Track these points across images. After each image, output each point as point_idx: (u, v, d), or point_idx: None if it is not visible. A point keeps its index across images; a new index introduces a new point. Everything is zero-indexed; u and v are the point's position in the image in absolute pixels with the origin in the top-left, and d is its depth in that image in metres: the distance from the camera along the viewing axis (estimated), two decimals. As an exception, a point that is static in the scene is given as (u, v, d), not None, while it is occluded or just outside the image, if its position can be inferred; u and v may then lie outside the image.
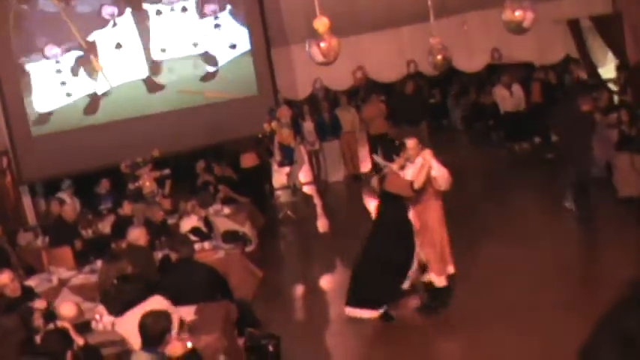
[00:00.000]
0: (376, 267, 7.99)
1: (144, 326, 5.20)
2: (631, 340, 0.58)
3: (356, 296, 8.14)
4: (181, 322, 6.09)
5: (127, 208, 10.97)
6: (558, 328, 6.92)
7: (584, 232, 10.29)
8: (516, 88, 16.62)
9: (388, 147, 8.16)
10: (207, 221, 10.31)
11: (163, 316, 5.29)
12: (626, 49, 15.21)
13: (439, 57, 11.78)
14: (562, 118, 11.08)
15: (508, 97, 16.63)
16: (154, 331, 5.15)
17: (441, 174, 8.04)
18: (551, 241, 9.91)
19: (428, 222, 8.15)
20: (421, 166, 7.95)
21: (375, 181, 8.35)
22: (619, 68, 15.50)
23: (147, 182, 12.16)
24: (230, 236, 10.17)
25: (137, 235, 8.55)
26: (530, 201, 13.13)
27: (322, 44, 8.10)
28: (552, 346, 6.54)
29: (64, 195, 13.38)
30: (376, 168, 11.02)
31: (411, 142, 8.14)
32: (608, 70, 15.92)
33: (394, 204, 8.07)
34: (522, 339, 6.97)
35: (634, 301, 0.60)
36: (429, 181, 7.97)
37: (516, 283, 8.53)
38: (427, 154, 8.08)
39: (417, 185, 7.86)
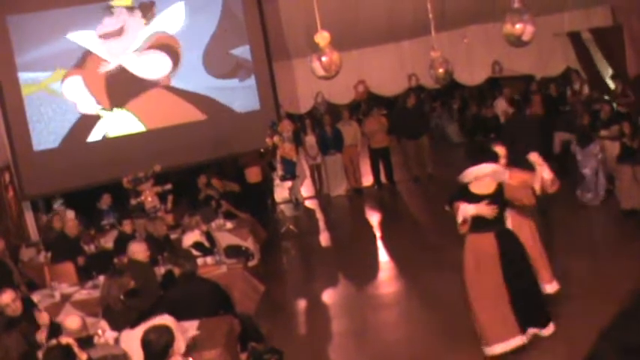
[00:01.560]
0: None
1: (147, 342, 5.19)
2: (632, 352, 0.58)
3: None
4: (192, 342, 6.09)
5: (127, 226, 10.97)
6: (563, 339, 6.91)
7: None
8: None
9: (483, 153, 7.48)
10: (209, 236, 10.31)
11: (166, 332, 5.28)
12: (627, 61, 15.24)
13: (440, 70, 11.78)
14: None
15: (509, 110, 16.63)
16: (158, 347, 5.15)
17: (550, 176, 7.36)
18: (555, 252, 9.89)
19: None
20: (539, 170, 7.27)
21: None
22: (614, 79, 15.55)
23: (149, 197, 12.16)
24: (232, 251, 10.17)
25: (137, 249, 8.55)
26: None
27: (323, 58, 8.11)
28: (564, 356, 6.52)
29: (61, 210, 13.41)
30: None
31: (501, 149, 7.63)
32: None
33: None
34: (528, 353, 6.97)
35: (636, 312, 0.59)
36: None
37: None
38: (534, 156, 7.38)
39: (538, 191, 7.25)
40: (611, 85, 15.81)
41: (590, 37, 15.95)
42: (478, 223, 6.92)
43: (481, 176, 7.10)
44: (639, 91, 14.96)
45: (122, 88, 14.54)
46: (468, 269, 7.05)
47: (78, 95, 14.44)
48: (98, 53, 14.48)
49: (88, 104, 14.49)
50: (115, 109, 14.55)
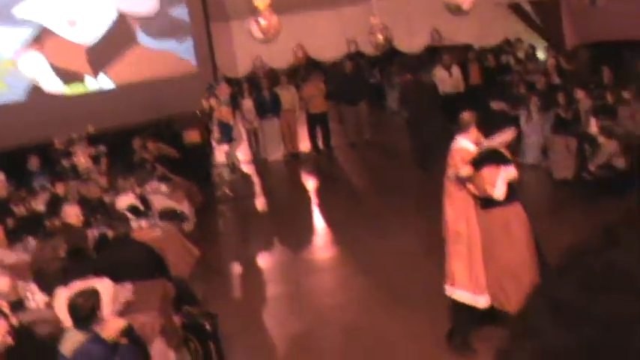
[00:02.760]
0: None
1: (74, 306, 5.11)
2: (564, 307, 0.58)
3: None
4: (126, 305, 6.04)
5: (60, 188, 10.76)
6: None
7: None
8: (455, 70, 16.75)
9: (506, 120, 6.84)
10: (144, 199, 10.17)
11: (92, 295, 5.21)
12: (564, 33, 15.45)
13: (380, 37, 11.80)
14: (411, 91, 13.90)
15: (447, 79, 16.75)
16: (84, 311, 5.07)
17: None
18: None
19: None
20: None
21: None
22: (548, 50, 15.79)
23: (82, 159, 11.93)
24: (167, 214, 10.07)
25: (70, 212, 8.39)
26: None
27: (262, 22, 8.04)
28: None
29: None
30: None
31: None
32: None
33: None
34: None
35: (568, 268, 0.59)
36: None
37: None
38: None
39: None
40: (542, 56, 16.08)
41: (529, 9, 16.12)
42: (509, 191, 6.41)
43: (505, 142, 6.67)
44: (575, 62, 15.20)
45: (55, 46, 14.19)
46: (485, 241, 6.53)
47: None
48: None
49: (21, 63, 14.13)
50: (48, 69, 14.20)
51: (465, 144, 6.62)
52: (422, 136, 13.77)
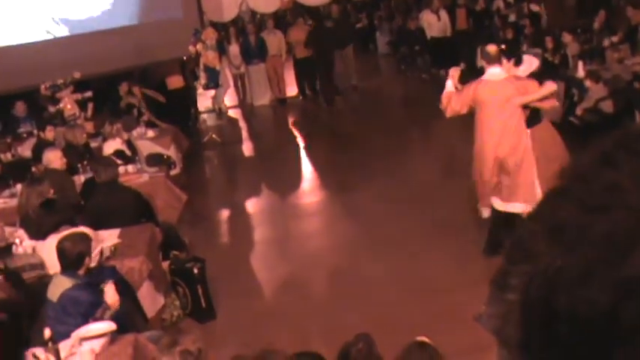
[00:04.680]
0: None
1: (62, 250, 5.12)
2: (560, 230, 0.58)
3: None
4: (113, 249, 6.06)
5: (49, 133, 10.69)
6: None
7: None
8: (443, 14, 16.65)
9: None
10: (130, 144, 10.15)
11: (81, 239, 5.22)
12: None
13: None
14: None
15: (435, 23, 16.66)
16: (72, 255, 5.09)
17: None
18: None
19: None
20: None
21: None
22: None
23: (68, 105, 11.84)
24: (154, 159, 10.04)
25: (52, 157, 8.31)
26: (455, 125, 13.28)
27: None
28: (485, 264, 6.68)
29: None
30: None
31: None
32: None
33: None
34: (455, 259, 7.16)
35: (563, 190, 0.60)
36: None
37: (445, 205, 8.67)
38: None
39: None
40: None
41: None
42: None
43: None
44: (561, 7, 15.13)
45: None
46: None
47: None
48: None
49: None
50: (31, 15, 14.01)
51: (502, 73, 7.13)
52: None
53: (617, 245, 0.63)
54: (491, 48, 7.28)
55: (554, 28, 13.14)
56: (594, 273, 0.63)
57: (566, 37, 11.70)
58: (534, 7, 15.55)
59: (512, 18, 15.77)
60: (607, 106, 10.16)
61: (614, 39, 12.71)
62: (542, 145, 7.18)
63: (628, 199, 0.65)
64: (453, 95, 7.34)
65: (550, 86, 7.23)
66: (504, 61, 7.19)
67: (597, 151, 0.72)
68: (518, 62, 7.47)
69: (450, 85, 7.50)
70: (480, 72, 7.83)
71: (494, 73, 7.13)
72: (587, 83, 10.46)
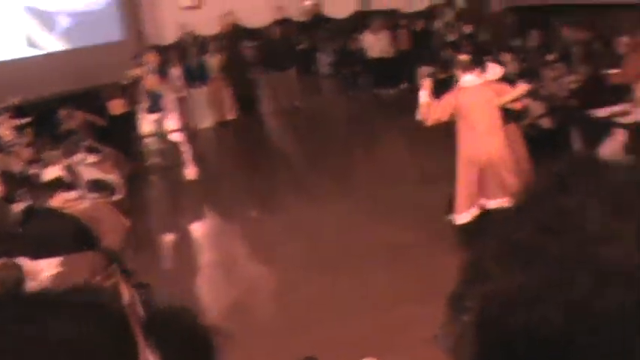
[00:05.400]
0: None
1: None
2: (515, 247, 0.60)
3: None
4: (54, 279, 5.95)
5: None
6: (433, 263, 7.13)
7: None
8: (384, 35, 16.80)
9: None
10: (71, 170, 9.99)
11: (13, 268, 5.11)
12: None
13: (308, 2, 11.75)
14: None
15: (376, 43, 16.80)
16: (9, 284, 4.98)
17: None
18: (417, 182, 10.17)
19: None
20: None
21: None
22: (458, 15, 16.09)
23: (6, 131, 11.65)
24: (96, 185, 9.89)
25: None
26: (397, 144, 13.40)
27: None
28: (429, 281, 6.71)
29: None
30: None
31: None
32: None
33: None
34: (401, 275, 7.18)
35: (524, 207, 0.60)
36: None
37: (390, 223, 8.71)
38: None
39: None
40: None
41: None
42: None
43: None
44: (497, 27, 15.39)
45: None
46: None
47: None
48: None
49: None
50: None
51: (477, 79, 7.62)
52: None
53: (568, 267, 0.65)
54: (464, 57, 7.79)
55: (493, 48, 13.34)
56: (548, 294, 0.65)
57: (505, 57, 11.88)
58: (467, 29, 15.81)
59: (451, 38, 15.98)
60: (546, 123, 10.34)
61: (550, 58, 12.98)
62: (512, 145, 7.78)
63: (579, 222, 0.67)
64: (432, 105, 7.67)
65: (523, 87, 7.87)
66: (476, 68, 7.68)
67: (550, 175, 0.74)
68: (483, 70, 7.87)
69: (423, 95, 7.80)
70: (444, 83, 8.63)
71: (469, 79, 7.60)
72: (526, 101, 10.64)
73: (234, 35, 17.68)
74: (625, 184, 0.69)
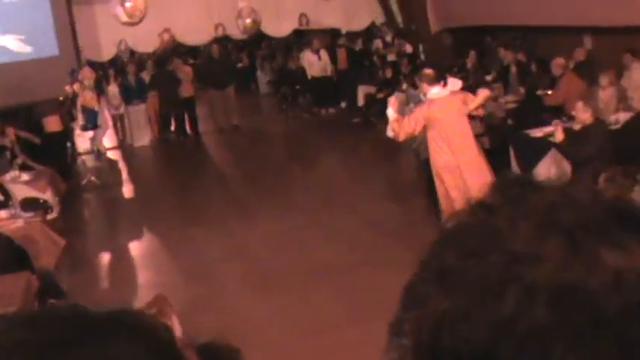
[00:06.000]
0: None
1: None
2: (444, 272, 0.60)
3: None
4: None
5: None
6: (375, 283, 7.11)
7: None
8: (323, 54, 16.87)
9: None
10: (3, 188, 9.76)
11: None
12: (429, 18, 15.80)
13: (248, 21, 11.73)
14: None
15: (315, 62, 16.86)
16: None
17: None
18: (358, 201, 10.18)
19: None
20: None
21: None
22: (396, 35, 16.27)
23: None
24: (29, 204, 9.69)
25: None
26: (337, 164, 13.43)
27: (127, 4, 7.82)
28: (372, 302, 6.69)
29: None
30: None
31: None
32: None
33: None
34: (339, 297, 7.14)
35: (451, 238, 0.61)
36: None
37: (327, 244, 8.69)
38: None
39: None
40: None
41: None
42: None
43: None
44: (438, 47, 15.59)
45: None
46: None
47: None
48: None
49: None
50: None
51: (443, 91, 8.01)
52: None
53: (492, 287, 0.66)
54: (429, 71, 8.17)
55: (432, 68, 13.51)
56: (473, 314, 0.66)
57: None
58: (408, 48, 16.00)
59: (391, 57, 16.13)
60: (484, 142, 10.46)
61: (488, 78, 13.19)
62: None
63: (503, 243, 0.68)
64: (403, 120, 7.97)
65: (485, 92, 8.33)
66: (441, 81, 8.07)
67: (478, 197, 0.76)
68: (445, 84, 8.18)
69: (391, 112, 8.08)
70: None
71: (436, 92, 7.97)
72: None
73: (171, 53, 17.58)
74: (553, 204, 0.70)
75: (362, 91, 15.76)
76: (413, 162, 11.35)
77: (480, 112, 8.35)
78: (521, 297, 0.65)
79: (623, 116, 9.32)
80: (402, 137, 8.07)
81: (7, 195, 9.66)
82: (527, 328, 0.64)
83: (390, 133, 8.27)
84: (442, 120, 7.89)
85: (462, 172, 7.91)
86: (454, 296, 0.68)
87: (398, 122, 7.99)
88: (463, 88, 8.97)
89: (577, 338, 0.63)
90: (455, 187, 7.95)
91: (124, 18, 7.97)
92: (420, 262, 0.75)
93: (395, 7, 16.68)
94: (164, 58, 16.76)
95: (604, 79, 10.28)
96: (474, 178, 7.77)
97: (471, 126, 8.29)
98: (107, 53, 16.28)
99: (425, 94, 8.22)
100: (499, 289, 0.65)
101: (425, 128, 7.99)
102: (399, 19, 16.75)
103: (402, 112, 8.51)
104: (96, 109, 13.56)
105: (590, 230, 0.67)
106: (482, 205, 0.74)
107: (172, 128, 16.57)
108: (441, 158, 8.02)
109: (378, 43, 17.33)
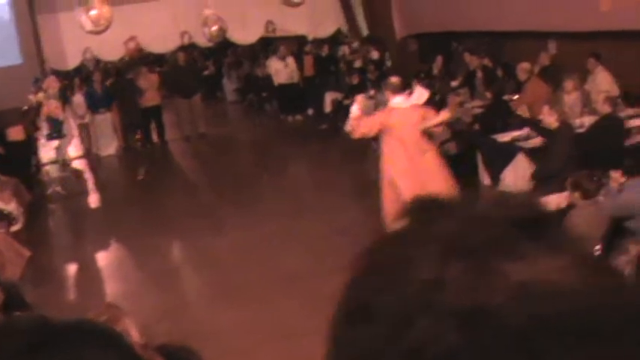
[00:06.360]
0: None
1: None
2: (361, 311, 0.61)
3: None
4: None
5: None
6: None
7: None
8: (290, 61, 16.86)
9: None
10: (-33, 200, 9.63)
11: None
12: (394, 24, 15.86)
13: (214, 28, 11.69)
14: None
15: (282, 69, 16.83)
16: None
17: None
18: (326, 208, 10.16)
19: None
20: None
21: None
22: (363, 41, 16.33)
23: None
24: (-6, 215, 9.58)
25: None
26: (305, 171, 13.41)
27: (93, 12, 7.75)
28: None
29: None
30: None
31: None
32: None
33: None
34: (306, 305, 7.11)
35: (365, 274, 0.62)
36: None
37: (295, 252, 8.66)
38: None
39: None
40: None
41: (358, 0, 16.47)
42: None
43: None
44: (404, 53, 15.64)
45: None
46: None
47: None
48: None
49: None
50: None
51: (405, 102, 8.13)
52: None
53: (404, 319, 0.66)
54: (395, 79, 8.36)
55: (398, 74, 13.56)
56: (387, 350, 0.66)
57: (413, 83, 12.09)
58: (374, 55, 16.04)
59: (357, 64, 16.16)
60: (451, 148, 10.50)
61: (454, 83, 13.26)
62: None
63: (413, 272, 0.68)
64: (362, 119, 8.17)
65: (446, 114, 8.46)
66: (407, 91, 8.31)
67: (414, 208, 0.77)
68: (410, 93, 8.42)
69: (355, 110, 8.31)
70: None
71: (399, 101, 8.12)
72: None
73: (138, 61, 17.47)
74: (459, 225, 0.70)
75: (329, 98, 15.77)
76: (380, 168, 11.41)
77: (438, 130, 8.49)
78: (431, 325, 0.65)
79: (588, 120, 9.41)
80: (357, 135, 8.32)
81: (-29, 206, 9.55)
82: (438, 354, 0.64)
83: (348, 128, 8.58)
84: (399, 128, 8.02)
85: (422, 178, 7.99)
86: (365, 331, 0.68)
87: (357, 120, 8.21)
88: (430, 98, 9.09)
89: (487, 357, 0.63)
90: (400, 198, 8.02)
91: (89, 26, 7.89)
92: (338, 302, 0.76)
93: (360, 16, 16.74)
94: (123, 66, 16.66)
95: (569, 84, 10.39)
96: (434, 184, 7.87)
97: (433, 135, 8.49)
98: (72, 62, 16.15)
99: (388, 102, 8.39)
100: (409, 319, 0.65)
101: (379, 132, 8.18)
102: (363, 26, 16.81)
103: (366, 111, 8.68)
104: (60, 118, 13.43)
105: (494, 247, 0.68)
106: (394, 235, 0.75)
107: (137, 137, 16.44)
108: (396, 165, 8.13)
109: (344, 50, 17.37)
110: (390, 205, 8.19)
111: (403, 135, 8.01)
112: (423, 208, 0.76)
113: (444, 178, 8.14)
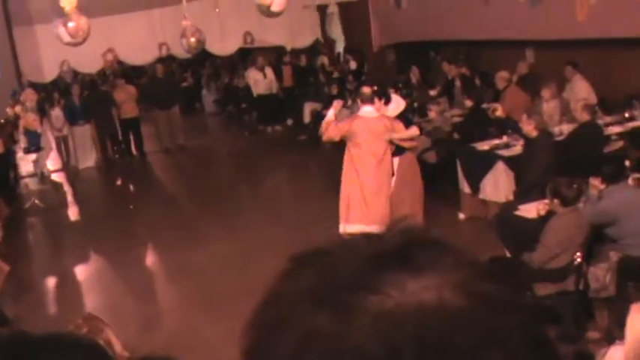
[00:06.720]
0: None
1: None
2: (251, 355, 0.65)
3: None
4: None
5: None
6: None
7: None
8: (269, 72, 16.86)
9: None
10: (-56, 214, 9.53)
11: None
12: (372, 34, 15.92)
13: (192, 40, 11.67)
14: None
15: (261, 80, 16.84)
16: None
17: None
18: (306, 219, 10.15)
19: None
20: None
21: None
22: (347, 52, 16.37)
23: None
24: (-29, 229, 9.48)
25: None
26: (284, 181, 13.40)
27: (70, 24, 7.72)
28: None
29: None
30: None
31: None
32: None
33: None
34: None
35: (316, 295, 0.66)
36: None
37: (274, 262, 8.61)
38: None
39: None
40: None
41: (335, 10, 16.50)
42: None
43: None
44: (382, 63, 15.69)
45: None
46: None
47: None
48: None
49: None
50: None
51: (373, 112, 8.28)
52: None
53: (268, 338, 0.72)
54: (366, 89, 8.53)
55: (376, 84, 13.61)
56: None
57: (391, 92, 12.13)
58: (353, 65, 16.09)
59: (336, 74, 16.21)
60: (431, 157, 10.53)
61: (433, 92, 13.31)
62: (403, 171, 8.60)
63: (291, 324, 0.71)
64: (332, 124, 8.37)
65: (413, 131, 8.57)
66: (376, 100, 8.35)
67: (287, 268, 0.81)
68: (387, 101, 8.61)
69: (330, 114, 8.52)
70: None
71: (368, 111, 8.28)
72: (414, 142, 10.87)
73: (117, 73, 17.42)
74: (322, 272, 0.75)
75: (308, 108, 15.80)
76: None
77: (406, 144, 8.54)
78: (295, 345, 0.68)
79: (567, 127, 9.48)
80: (324, 138, 8.58)
81: (-52, 220, 9.45)
82: None
83: (320, 131, 8.68)
84: (361, 137, 8.21)
85: (363, 193, 8.31)
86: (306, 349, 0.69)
87: (327, 124, 8.41)
88: (407, 106, 9.14)
89: None
90: (352, 205, 8.44)
91: (67, 38, 7.86)
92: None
93: (337, 27, 16.81)
94: (99, 79, 16.60)
95: (547, 92, 10.46)
96: (368, 203, 8.27)
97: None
98: (49, 74, 16.05)
99: (357, 110, 8.63)
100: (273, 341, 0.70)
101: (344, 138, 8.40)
102: (338, 39, 16.91)
103: (340, 117, 8.77)
104: (38, 131, 13.35)
105: (357, 285, 0.70)
106: (272, 297, 0.80)
107: (115, 148, 16.38)
108: (351, 171, 8.43)
109: (323, 60, 17.40)
110: (344, 204, 8.54)
111: (364, 144, 8.21)
112: (296, 263, 0.82)
113: (383, 200, 8.32)
